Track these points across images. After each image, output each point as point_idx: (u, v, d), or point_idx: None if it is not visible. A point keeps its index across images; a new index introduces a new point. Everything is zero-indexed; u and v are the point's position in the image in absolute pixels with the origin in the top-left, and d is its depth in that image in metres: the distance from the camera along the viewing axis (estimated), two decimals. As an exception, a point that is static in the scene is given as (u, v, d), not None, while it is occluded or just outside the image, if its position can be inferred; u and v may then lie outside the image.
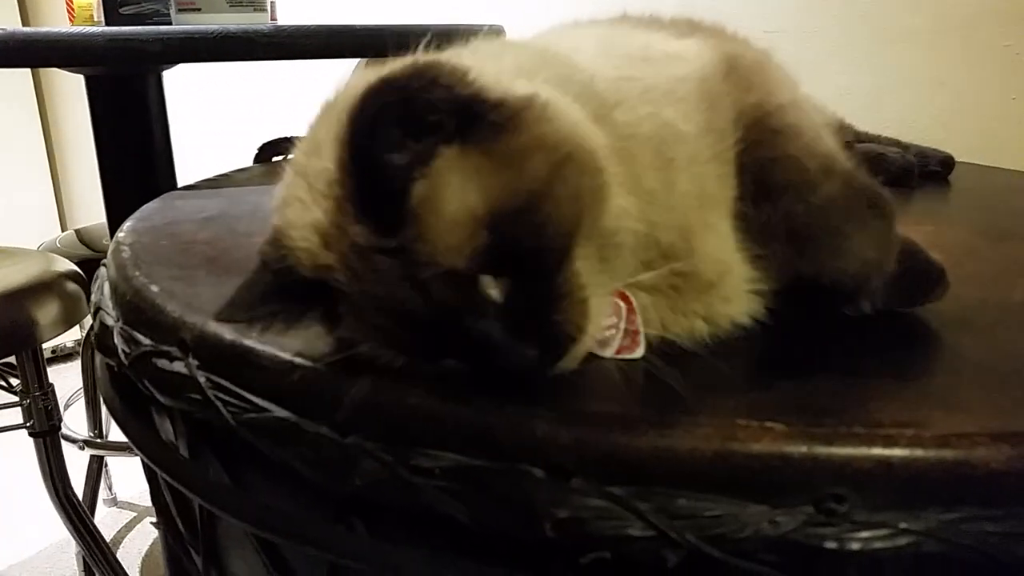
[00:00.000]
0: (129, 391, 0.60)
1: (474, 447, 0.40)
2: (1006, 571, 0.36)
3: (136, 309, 0.58)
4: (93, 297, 0.67)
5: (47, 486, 1.43)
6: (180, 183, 1.35)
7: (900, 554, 0.36)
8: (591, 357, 0.45)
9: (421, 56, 0.45)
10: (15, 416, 1.44)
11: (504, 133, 0.42)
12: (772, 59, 0.61)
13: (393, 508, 0.42)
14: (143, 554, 1.93)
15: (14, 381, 1.41)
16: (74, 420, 1.97)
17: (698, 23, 0.67)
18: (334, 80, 0.50)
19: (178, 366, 0.51)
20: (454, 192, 0.41)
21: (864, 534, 0.36)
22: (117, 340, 0.58)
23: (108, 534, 1.82)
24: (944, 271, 0.52)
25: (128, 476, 2.12)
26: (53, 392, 1.41)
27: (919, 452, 0.37)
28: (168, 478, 0.57)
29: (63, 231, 2.40)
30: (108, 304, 0.63)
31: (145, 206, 0.86)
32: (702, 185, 0.49)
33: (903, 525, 0.36)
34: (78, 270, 1.41)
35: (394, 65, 0.43)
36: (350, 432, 0.43)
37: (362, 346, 0.43)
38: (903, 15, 1.30)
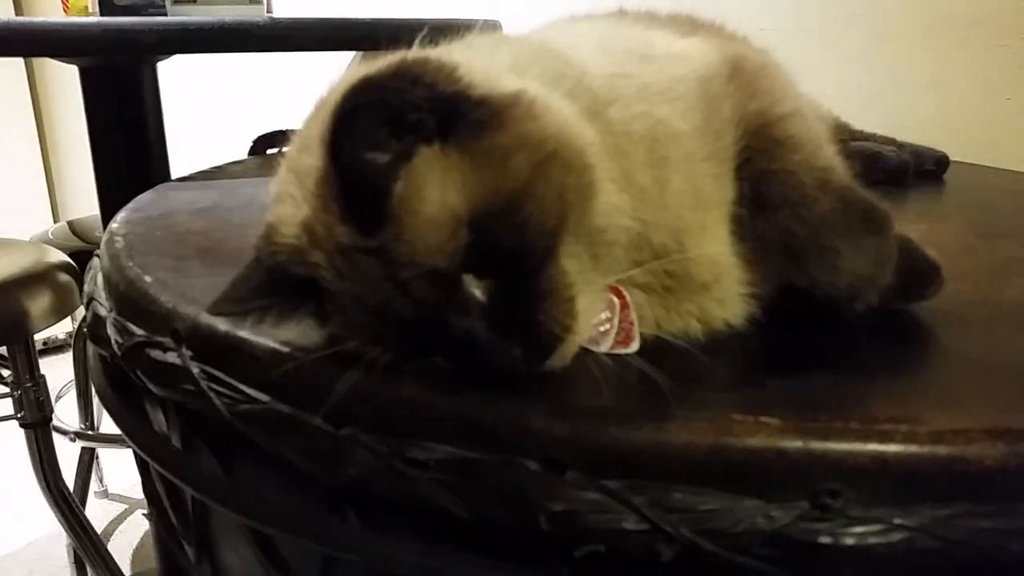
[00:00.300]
0: (122, 382, 0.59)
1: (469, 439, 0.40)
2: (999, 567, 0.36)
3: (129, 300, 0.57)
4: (86, 287, 0.67)
5: (38, 478, 1.43)
6: (174, 175, 1.34)
7: (894, 549, 0.36)
8: (585, 352, 0.45)
9: (410, 53, 0.45)
10: (6, 407, 1.44)
11: (487, 131, 0.42)
12: (772, 60, 0.60)
13: (387, 500, 0.42)
14: (134, 546, 1.92)
15: (5, 372, 1.41)
16: (65, 412, 1.96)
17: (699, 21, 0.67)
18: (329, 72, 0.49)
19: (171, 357, 0.51)
20: (434, 191, 0.41)
21: (858, 529, 0.36)
22: (110, 330, 0.58)
23: (99, 526, 1.82)
24: (939, 269, 0.52)
25: (119, 468, 2.11)
26: (44, 383, 1.40)
27: (914, 448, 0.37)
28: (160, 469, 0.57)
29: (55, 223, 2.38)
30: (101, 295, 0.63)
31: (139, 197, 0.86)
32: (697, 184, 0.49)
33: (897, 520, 0.36)
34: (70, 261, 1.40)
35: (381, 62, 0.43)
36: (344, 423, 0.43)
37: (352, 342, 0.43)
38: (899, 14, 1.30)
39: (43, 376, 1.40)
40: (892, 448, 0.37)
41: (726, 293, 0.49)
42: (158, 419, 0.56)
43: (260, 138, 1.20)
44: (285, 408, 0.45)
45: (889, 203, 0.51)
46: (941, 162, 1.04)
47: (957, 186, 1.01)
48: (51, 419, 1.43)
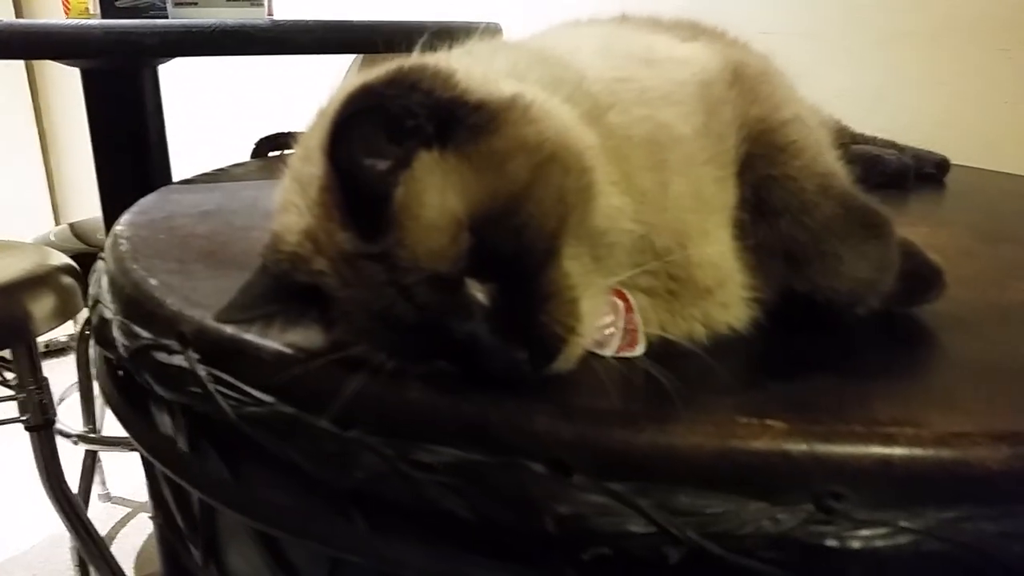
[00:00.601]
0: (128, 384, 0.59)
1: (475, 442, 0.40)
2: (1004, 569, 0.37)
3: (135, 302, 0.58)
4: (91, 290, 0.67)
5: (43, 481, 1.43)
6: (175, 177, 1.34)
7: (900, 552, 0.36)
8: (590, 355, 0.45)
9: (407, 60, 0.45)
10: (10, 410, 1.44)
11: (485, 135, 0.42)
12: (773, 66, 0.61)
13: (393, 502, 0.42)
14: (137, 549, 1.92)
15: (9, 375, 1.41)
16: (67, 416, 1.96)
17: (701, 26, 0.67)
18: (329, 74, 0.50)
19: (178, 359, 0.51)
20: (434, 196, 0.41)
21: (864, 532, 0.37)
22: (116, 333, 0.58)
23: (102, 529, 1.81)
24: (941, 272, 0.53)
25: (121, 471, 2.11)
26: (47, 386, 1.40)
27: (918, 451, 0.38)
28: (167, 471, 0.57)
29: (56, 224, 2.39)
30: (107, 297, 0.63)
31: (143, 200, 0.86)
32: (698, 188, 0.49)
33: (903, 523, 0.37)
34: (73, 264, 1.40)
35: (378, 70, 0.44)
36: (351, 426, 0.43)
37: (357, 348, 0.43)
38: (900, 18, 1.30)
39: (46, 379, 1.40)
40: (896, 451, 0.37)
41: (729, 297, 0.50)
42: (164, 421, 0.56)
43: (262, 140, 1.20)
44: (292, 411, 0.45)
45: (890, 206, 0.52)
46: (942, 165, 1.04)
47: (958, 190, 1.01)
48: (54, 422, 1.43)
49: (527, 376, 0.41)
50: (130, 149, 1.37)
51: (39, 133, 3.22)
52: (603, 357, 0.45)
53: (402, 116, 0.41)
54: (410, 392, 0.42)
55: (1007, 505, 0.37)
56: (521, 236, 0.41)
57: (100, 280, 0.66)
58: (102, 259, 0.70)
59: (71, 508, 1.45)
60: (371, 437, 0.42)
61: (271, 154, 1.19)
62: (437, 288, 0.41)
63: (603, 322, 0.46)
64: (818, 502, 0.37)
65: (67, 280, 1.35)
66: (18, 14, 3.06)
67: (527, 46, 0.56)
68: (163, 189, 0.93)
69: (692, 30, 0.64)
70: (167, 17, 1.36)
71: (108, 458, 2.06)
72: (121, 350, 0.57)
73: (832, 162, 0.53)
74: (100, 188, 1.38)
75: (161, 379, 0.53)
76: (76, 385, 1.93)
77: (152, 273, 0.60)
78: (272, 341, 0.47)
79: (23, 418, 1.39)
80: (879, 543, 0.37)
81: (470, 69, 0.45)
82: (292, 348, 0.47)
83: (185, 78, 1.97)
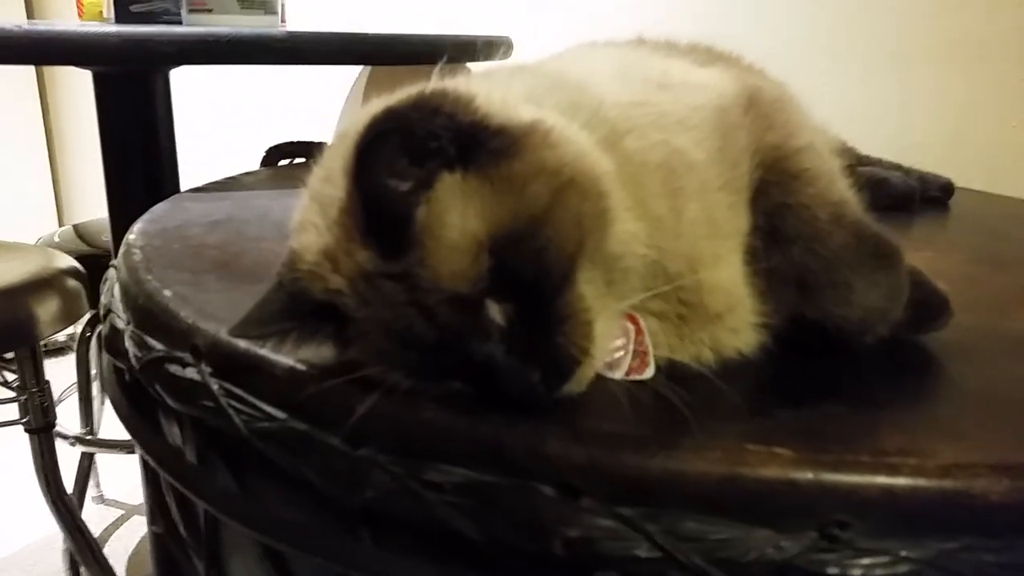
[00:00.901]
0: (137, 394, 0.60)
1: (485, 463, 0.41)
2: (1004, 602, 0.37)
3: (148, 314, 0.58)
4: (103, 299, 0.68)
5: (40, 483, 1.43)
6: (183, 183, 1.35)
7: (901, 582, 0.37)
8: (601, 378, 0.45)
9: (429, 85, 0.46)
10: (10, 412, 1.44)
11: (505, 159, 0.43)
12: (788, 93, 0.61)
13: (402, 521, 0.43)
14: (129, 551, 1.92)
15: (10, 376, 1.41)
16: (64, 417, 1.96)
17: (717, 51, 0.67)
18: (337, 84, 0.50)
19: (190, 372, 0.52)
20: (456, 218, 0.42)
21: (865, 561, 0.37)
22: (128, 344, 0.59)
23: (95, 531, 1.81)
24: (948, 301, 0.53)
25: (115, 474, 2.11)
26: (49, 389, 1.41)
27: (921, 481, 0.38)
28: (173, 482, 0.57)
29: (60, 226, 2.39)
30: (119, 307, 0.63)
31: (154, 208, 0.87)
32: (712, 214, 0.50)
33: (904, 553, 0.37)
34: (78, 266, 1.40)
35: (401, 94, 0.45)
36: (362, 444, 0.43)
37: (373, 368, 0.44)
38: (907, 40, 1.31)
39: (48, 382, 1.40)
40: (901, 481, 0.38)
41: (739, 322, 0.50)
42: (173, 432, 0.56)
43: (272, 149, 1.21)
44: (303, 427, 0.45)
45: (895, 230, 0.52)
46: (947, 188, 1.04)
47: (962, 213, 1.02)
48: (55, 425, 1.44)
49: (541, 398, 0.42)
50: (140, 153, 1.37)
51: (46, 133, 3.23)
52: (613, 380, 0.46)
53: (425, 138, 0.42)
54: (424, 412, 0.43)
55: (1007, 537, 0.37)
56: (540, 258, 0.42)
57: (112, 289, 0.67)
58: (114, 267, 0.71)
59: (67, 510, 1.45)
60: (382, 455, 0.43)
61: (281, 162, 1.20)
62: (457, 308, 0.41)
63: (614, 345, 0.46)
64: (822, 531, 0.37)
65: (72, 283, 1.35)
66: (29, 16, 3.07)
67: (544, 69, 0.57)
68: (175, 197, 0.94)
69: (708, 55, 0.65)
70: (181, 23, 1.37)
71: (102, 460, 2.06)
72: (133, 361, 0.57)
73: (845, 190, 0.53)
74: (108, 191, 1.38)
75: (173, 391, 0.53)
76: (74, 386, 1.93)
77: (165, 284, 0.60)
78: (286, 357, 0.48)
79: (23, 420, 1.40)
80: (879, 572, 0.37)
81: (490, 94, 0.46)
82: (306, 365, 0.47)
83: (194, 85, 1.98)
